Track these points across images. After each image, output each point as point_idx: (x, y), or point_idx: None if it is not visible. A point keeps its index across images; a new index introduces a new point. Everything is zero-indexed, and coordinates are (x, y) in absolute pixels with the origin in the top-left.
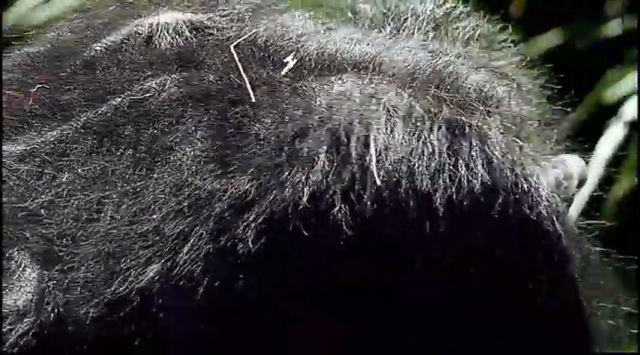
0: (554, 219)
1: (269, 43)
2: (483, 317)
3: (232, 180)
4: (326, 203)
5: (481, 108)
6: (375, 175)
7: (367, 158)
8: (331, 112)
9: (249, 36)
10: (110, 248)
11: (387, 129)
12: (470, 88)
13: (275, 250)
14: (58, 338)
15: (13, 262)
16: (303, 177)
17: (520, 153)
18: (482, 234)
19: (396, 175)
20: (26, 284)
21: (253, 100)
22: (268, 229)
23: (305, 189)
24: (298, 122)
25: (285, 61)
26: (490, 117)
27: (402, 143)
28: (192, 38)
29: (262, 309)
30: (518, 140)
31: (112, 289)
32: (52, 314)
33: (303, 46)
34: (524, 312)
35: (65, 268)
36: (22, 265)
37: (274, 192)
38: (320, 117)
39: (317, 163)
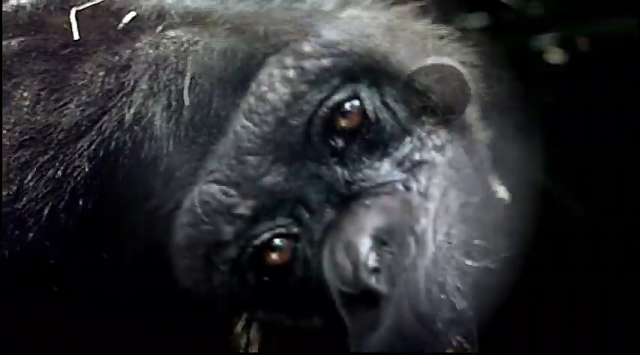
0: None
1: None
2: None
3: (65, 112)
4: (147, 121)
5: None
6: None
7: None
8: (154, 51)
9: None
10: None
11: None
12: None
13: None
14: None
15: None
16: (128, 101)
17: None
18: None
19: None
20: None
21: (76, 38)
22: (100, 152)
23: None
24: (124, 58)
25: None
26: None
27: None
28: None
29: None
30: None
31: None
32: None
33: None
34: None
35: None
36: None
37: (104, 117)
38: (143, 54)
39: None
